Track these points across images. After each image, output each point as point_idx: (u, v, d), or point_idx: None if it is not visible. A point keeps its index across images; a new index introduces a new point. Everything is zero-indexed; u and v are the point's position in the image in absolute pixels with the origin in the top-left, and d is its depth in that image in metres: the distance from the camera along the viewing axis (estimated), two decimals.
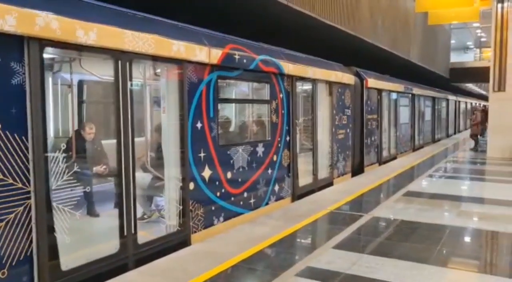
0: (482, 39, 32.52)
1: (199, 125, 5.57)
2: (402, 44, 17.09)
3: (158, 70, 5.83)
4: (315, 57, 9.17)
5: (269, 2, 7.89)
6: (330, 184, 9.37)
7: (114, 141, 4.55)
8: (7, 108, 3.46)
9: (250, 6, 8.25)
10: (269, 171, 7.17)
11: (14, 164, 3.50)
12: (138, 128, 7.41)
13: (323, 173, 9.20)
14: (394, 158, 14.32)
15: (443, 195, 8.20)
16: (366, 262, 4.61)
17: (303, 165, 8.54)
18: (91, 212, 6.17)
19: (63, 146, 4.35)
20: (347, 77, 10.19)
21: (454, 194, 8.35)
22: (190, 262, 4.59)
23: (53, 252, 3.79)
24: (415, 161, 13.35)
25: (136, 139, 4.76)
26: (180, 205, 5.32)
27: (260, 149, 6.94)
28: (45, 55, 3.80)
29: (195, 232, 5.50)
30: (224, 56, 5.91)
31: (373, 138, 12.36)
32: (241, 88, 8.49)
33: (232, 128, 8.06)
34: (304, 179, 8.38)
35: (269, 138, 7.23)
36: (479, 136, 16.84)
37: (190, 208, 5.41)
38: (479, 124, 16.47)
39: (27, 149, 3.59)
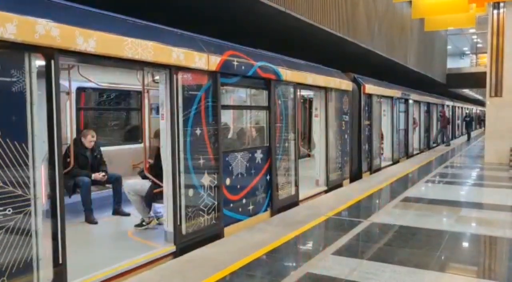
0: (478, 45, 32.68)
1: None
2: (399, 50, 17.18)
3: (157, 78, 5.84)
4: (313, 63, 9.21)
5: (267, 9, 7.92)
6: (332, 188, 9.38)
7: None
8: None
9: (248, 12, 8.29)
10: (268, 177, 7.16)
11: None
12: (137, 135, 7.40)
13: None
14: (392, 164, 14.33)
15: (442, 200, 8.21)
16: (366, 268, 4.61)
17: (302, 170, 8.53)
18: (89, 219, 6.16)
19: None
20: (345, 84, 10.23)
21: (452, 199, 8.36)
22: (189, 269, 4.58)
23: None
24: (413, 166, 13.37)
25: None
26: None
27: (258, 155, 6.94)
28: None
29: None
30: (223, 63, 5.93)
31: (371, 144, 12.37)
32: (240, 95, 8.50)
33: (230, 135, 8.06)
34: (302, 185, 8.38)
35: (268, 145, 7.24)
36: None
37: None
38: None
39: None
